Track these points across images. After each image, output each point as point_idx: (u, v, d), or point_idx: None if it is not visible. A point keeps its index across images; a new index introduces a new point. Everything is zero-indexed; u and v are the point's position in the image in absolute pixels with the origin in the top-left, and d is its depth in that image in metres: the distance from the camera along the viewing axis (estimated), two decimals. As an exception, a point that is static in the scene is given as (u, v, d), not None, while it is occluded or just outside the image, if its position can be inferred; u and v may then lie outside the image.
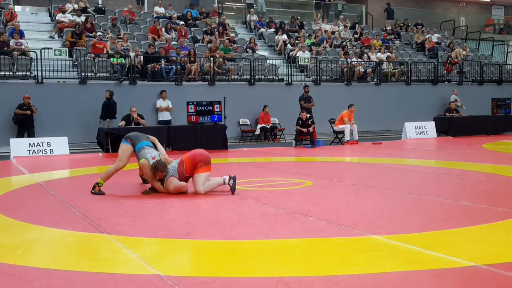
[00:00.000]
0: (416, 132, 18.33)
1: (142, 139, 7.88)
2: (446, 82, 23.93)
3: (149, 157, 7.55)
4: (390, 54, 23.42)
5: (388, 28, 27.48)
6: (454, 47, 26.10)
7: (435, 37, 26.92)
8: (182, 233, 5.39)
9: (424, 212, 6.21)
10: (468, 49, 26.52)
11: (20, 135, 15.18)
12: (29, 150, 13.71)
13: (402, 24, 28.58)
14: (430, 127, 18.68)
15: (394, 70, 22.74)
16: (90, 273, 4.14)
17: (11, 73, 16.56)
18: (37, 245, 5.14)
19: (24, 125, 15.31)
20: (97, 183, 7.82)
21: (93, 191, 7.76)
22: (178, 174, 7.49)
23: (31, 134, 15.25)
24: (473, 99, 22.73)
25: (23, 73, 16.72)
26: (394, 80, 22.67)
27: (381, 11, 29.94)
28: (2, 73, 16.36)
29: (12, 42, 17.05)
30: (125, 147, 7.89)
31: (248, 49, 21.37)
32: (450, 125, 18.92)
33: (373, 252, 4.56)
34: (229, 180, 7.50)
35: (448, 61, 24.19)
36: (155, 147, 7.99)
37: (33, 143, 13.92)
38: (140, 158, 7.63)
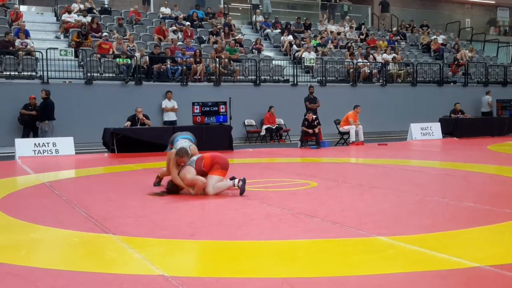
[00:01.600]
0: (421, 133, 18.28)
1: (178, 135, 8.19)
2: (452, 84, 23.88)
3: (178, 146, 7.76)
4: (396, 55, 23.38)
5: (394, 29, 27.43)
6: (459, 48, 26.03)
7: (440, 39, 26.84)
8: (186, 234, 5.39)
9: (429, 213, 6.19)
10: (474, 50, 26.46)
11: (25, 135, 15.19)
12: (34, 150, 13.70)
13: (407, 25, 28.52)
14: (435, 128, 18.64)
15: (399, 71, 22.69)
16: (95, 273, 4.14)
17: (16, 73, 16.59)
18: (41, 246, 5.15)
19: (30, 125, 15.35)
20: (158, 176, 8.50)
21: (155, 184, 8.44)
22: (196, 167, 7.57)
23: (37, 134, 15.28)
24: (478, 100, 22.79)
25: (29, 73, 16.75)
26: (399, 81, 22.62)
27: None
28: (8, 73, 16.40)
29: (17, 42, 17.08)
30: (167, 155, 8.10)
31: (253, 50, 21.38)
32: (456, 127, 18.88)
33: (378, 253, 4.55)
34: (238, 182, 7.51)
35: (455, 63, 24.14)
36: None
37: (39, 143, 13.90)
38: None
